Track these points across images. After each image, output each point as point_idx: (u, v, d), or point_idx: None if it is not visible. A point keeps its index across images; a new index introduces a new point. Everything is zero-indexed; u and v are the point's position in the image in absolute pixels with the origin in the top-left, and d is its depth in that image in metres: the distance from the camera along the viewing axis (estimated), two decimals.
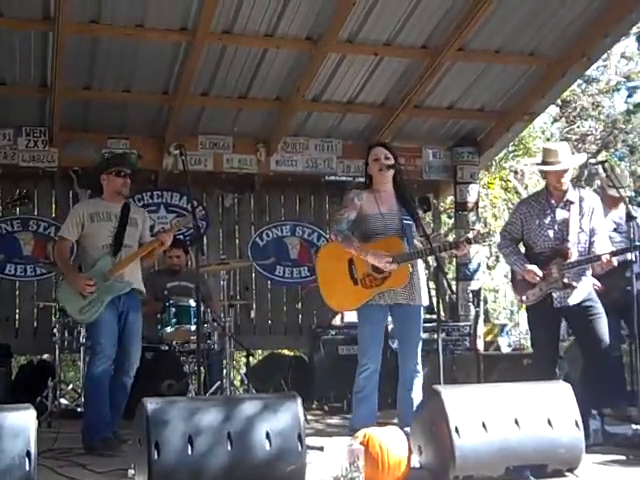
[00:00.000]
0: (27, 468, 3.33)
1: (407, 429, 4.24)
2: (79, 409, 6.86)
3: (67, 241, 5.54)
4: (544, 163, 5.38)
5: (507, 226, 5.59)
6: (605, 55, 12.60)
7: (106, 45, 7.13)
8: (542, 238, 5.32)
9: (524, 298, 5.36)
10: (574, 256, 5.19)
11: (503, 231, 5.59)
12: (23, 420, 3.42)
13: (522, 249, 5.53)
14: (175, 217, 8.59)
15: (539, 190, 5.84)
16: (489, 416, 3.85)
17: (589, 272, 5.33)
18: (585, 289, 5.28)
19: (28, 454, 3.34)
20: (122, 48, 7.16)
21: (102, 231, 5.43)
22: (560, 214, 5.31)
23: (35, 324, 8.61)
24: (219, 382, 6.63)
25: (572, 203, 5.31)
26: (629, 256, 5.07)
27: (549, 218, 5.31)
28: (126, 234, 5.44)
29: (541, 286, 5.24)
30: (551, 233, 5.29)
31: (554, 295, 5.24)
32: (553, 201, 5.34)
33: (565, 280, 5.19)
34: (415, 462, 3.99)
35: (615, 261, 5.12)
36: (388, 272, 5.07)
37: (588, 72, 12.09)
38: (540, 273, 5.21)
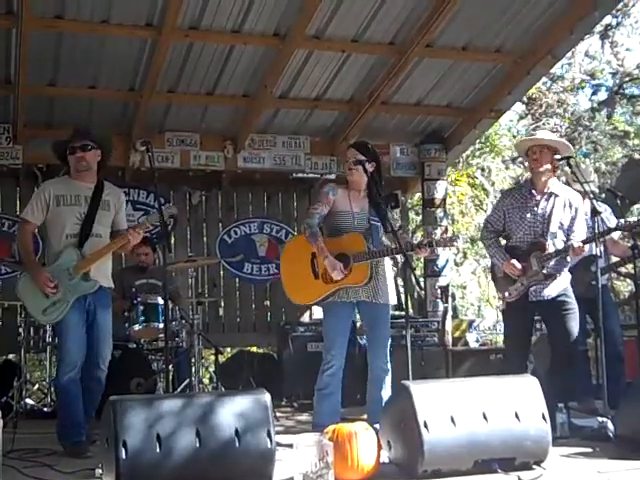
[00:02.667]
0: None
1: (376, 426, 4.25)
2: (45, 409, 6.80)
3: (30, 224, 5.10)
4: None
5: (490, 217, 5.61)
6: (570, 53, 12.72)
7: (71, 41, 7.05)
8: (522, 230, 5.34)
9: (507, 294, 5.38)
10: (551, 249, 5.22)
11: (486, 222, 5.61)
12: None
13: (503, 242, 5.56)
14: (142, 215, 8.53)
15: (523, 182, 5.86)
16: (457, 410, 3.87)
17: (567, 268, 5.37)
18: (562, 284, 5.32)
19: None
20: (87, 44, 7.09)
21: (68, 217, 5.02)
22: (543, 206, 5.33)
23: (0, 323, 8.50)
24: (188, 380, 6.59)
25: (557, 196, 5.34)
26: (594, 250, 5.11)
27: (531, 211, 5.33)
28: (96, 220, 5.04)
29: (522, 281, 5.26)
30: (532, 225, 5.31)
31: (530, 289, 5.27)
32: (536, 193, 5.36)
33: (545, 271, 5.23)
34: (384, 457, 4.01)
35: (586, 248, 5.17)
36: (349, 269, 5.07)
37: (553, 70, 12.21)
38: (519, 266, 5.24)
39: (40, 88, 7.61)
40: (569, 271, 5.66)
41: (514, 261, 5.27)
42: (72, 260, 4.97)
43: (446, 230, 9.15)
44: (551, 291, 5.26)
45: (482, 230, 5.67)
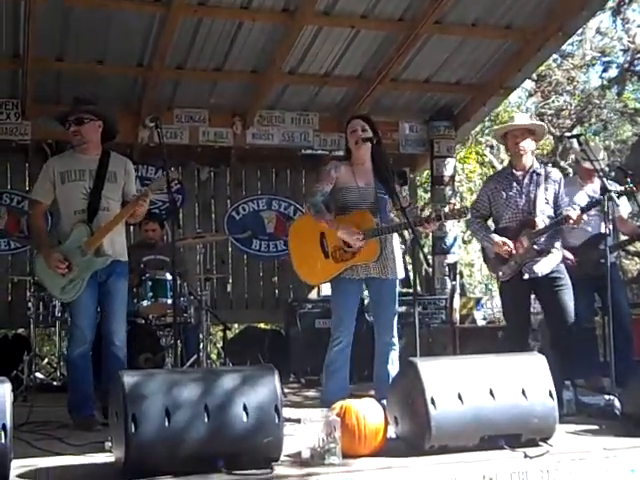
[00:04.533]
0: (2, 441, 3.31)
1: (383, 401, 4.26)
2: (55, 383, 6.86)
3: (40, 204, 5.07)
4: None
5: (475, 204, 5.63)
6: (580, 30, 12.62)
7: (80, 15, 7.02)
8: (510, 210, 5.37)
9: (500, 274, 5.40)
10: (541, 225, 5.24)
11: (471, 209, 5.61)
12: None
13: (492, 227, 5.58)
14: None
15: (504, 167, 5.89)
16: (464, 387, 3.88)
17: (558, 244, 5.38)
18: (554, 260, 5.33)
19: (4, 427, 3.32)
20: (96, 19, 7.06)
21: (74, 193, 4.95)
22: (526, 185, 5.37)
23: (9, 298, 8.56)
24: (196, 356, 6.63)
25: (539, 175, 5.38)
26: (603, 229, 5.10)
27: (515, 190, 5.37)
28: (103, 194, 4.95)
29: (515, 259, 5.28)
30: (519, 204, 5.34)
31: (524, 267, 5.29)
32: (518, 173, 5.39)
33: (536, 247, 5.24)
34: (391, 433, 4.02)
35: (585, 216, 5.18)
36: (357, 247, 5.07)
37: (564, 47, 12.13)
38: (511, 244, 5.26)
39: (48, 63, 7.59)
40: (576, 249, 5.67)
41: (504, 240, 5.28)
42: (82, 236, 4.92)
43: (455, 203, 9.13)
44: (543, 268, 5.27)
45: (469, 218, 5.67)
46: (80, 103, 5.12)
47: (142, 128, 8.24)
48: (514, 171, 5.42)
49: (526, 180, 5.37)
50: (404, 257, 10.16)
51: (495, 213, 5.47)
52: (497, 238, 5.34)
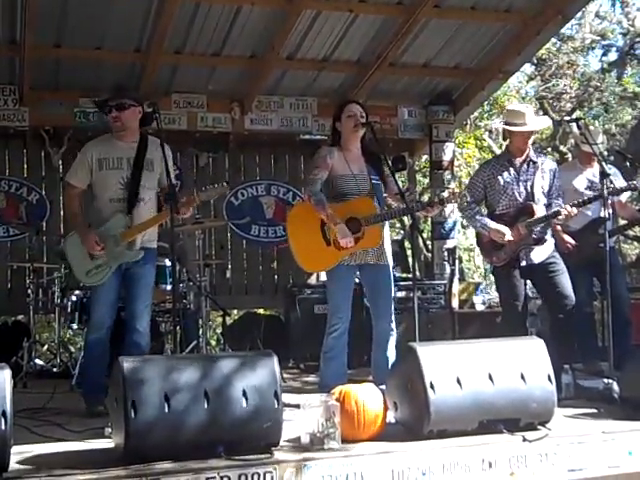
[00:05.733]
0: (2, 428, 3.31)
1: (382, 387, 4.27)
2: (54, 369, 6.87)
3: (75, 188, 5.02)
4: (510, 124, 5.40)
5: (469, 190, 5.61)
6: (580, 13, 12.58)
7: (77, 1, 6.98)
8: (507, 197, 5.37)
9: (494, 259, 5.41)
10: (539, 213, 5.24)
11: (465, 195, 5.60)
12: None
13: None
14: None
15: (501, 152, 5.87)
16: (463, 372, 3.88)
17: (550, 230, 5.40)
18: (549, 247, 5.36)
19: (4, 414, 3.32)
20: (94, 4, 7.04)
21: (112, 181, 4.93)
22: (524, 173, 5.38)
23: (9, 285, 8.55)
24: (195, 342, 6.63)
25: (535, 163, 5.38)
26: (602, 213, 5.10)
27: (513, 178, 5.37)
28: (141, 185, 4.93)
29: (511, 246, 5.28)
30: (516, 192, 5.35)
31: (520, 254, 5.29)
32: (516, 161, 5.39)
33: (534, 236, 5.25)
34: (390, 418, 4.03)
35: (575, 210, 5.20)
36: (361, 233, 5.05)
37: (563, 30, 12.09)
38: (508, 232, 5.25)
39: (46, 49, 7.57)
40: (575, 234, 5.67)
41: (501, 226, 5.28)
42: (120, 227, 4.92)
43: (454, 188, 9.13)
44: (540, 255, 5.31)
45: (460, 203, 5.65)
46: (121, 89, 5.14)
47: None
48: (512, 158, 5.41)
49: (523, 167, 5.38)
50: (403, 242, 10.18)
51: (490, 199, 5.46)
52: (494, 225, 5.34)
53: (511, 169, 5.38)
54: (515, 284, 5.38)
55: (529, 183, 5.34)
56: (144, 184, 4.96)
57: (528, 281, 5.43)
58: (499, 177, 5.38)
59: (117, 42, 7.68)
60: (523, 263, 5.28)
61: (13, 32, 7.33)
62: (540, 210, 5.27)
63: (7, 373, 3.45)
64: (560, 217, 5.21)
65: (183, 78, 8.32)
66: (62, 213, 8.51)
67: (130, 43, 7.74)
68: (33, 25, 6.97)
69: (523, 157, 5.39)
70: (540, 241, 5.30)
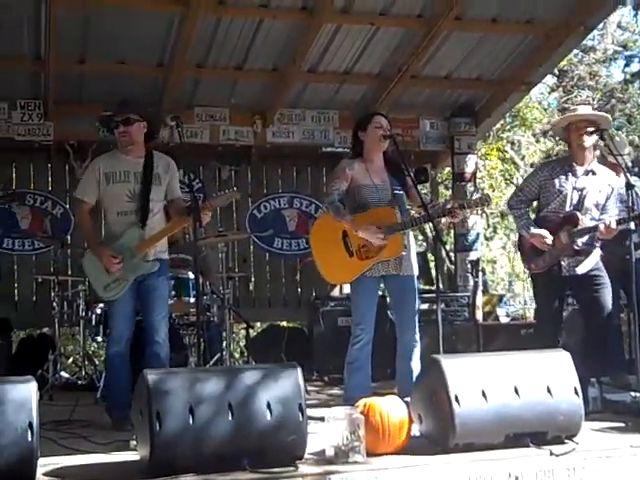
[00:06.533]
0: (29, 440, 3.33)
1: (407, 399, 4.25)
2: (79, 382, 6.90)
3: (85, 204, 5.06)
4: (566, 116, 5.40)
5: (523, 187, 5.51)
6: (602, 24, 12.53)
7: (100, 16, 7.05)
8: (558, 202, 5.26)
9: (532, 266, 5.34)
10: (584, 224, 5.17)
11: (517, 191, 5.55)
12: (25, 392, 3.42)
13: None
14: None
15: (565, 156, 5.77)
16: (489, 385, 3.86)
17: (597, 244, 5.32)
18: (594, 259, 5.26)
19: (30, 426, 3.34)
20: (116, 19, 7.09)
21: (119, 195, 4.97)
22: (581, 181, 5.26)
23: (34, 298, 8.61)
24: (219, 354, 6.64)
25: (595, 174, 5.28)
26: (629, 225, 5.05)
27: (570, 183, 5.25)
28: (150, 198, 4.98)
29: (551, 252, 5.21)
30: (568, 198, 5.24)
31: (563, 263, 5.22)
32: (577, 168, 5.29)
33: (575, 247, 5.18)
34: (415, 431, 4.01)
35: (614, 225, 5.11)
36: (383, 243, 5.05)
37: (585, 41, 12.04)
38: (549, 238, 5.19)
39: (70, 65, 7.64)
40: (601, 245, 5.61)
41: (542, 231, 5.22)
42: (134, 240, 4.96)
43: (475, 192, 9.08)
44: (584, 267, 5.22)
45: (511, 198, 5.60)
46: (126, 104, 5.17)
47: (163, 127, 8.23)
48: (573, 164, 5.30)
49: (582, 175, 5.27)
50: (426, 254, 10.14)
51: (542, 200, 5.36)
52: (536, 230, 5.25)
53: (569, 174, 5.27)
54: (554, 294, 5.32)
55: (584, 192, 5.23)
56: (153, 197, 5.01)
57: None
58: (555, 180, 5.28)
59: (140, 56, 7.73)
60: (565, 273, 5.22)
61: (38, 48, 7.40)
62: (586, 221, 5.18)
63: (33, 386, 3.48)
64: (601, 231, 5.09)
65: (205, 91, 8.36)
66: None
67: (153, 57, 7.79)
68: (57, 41, 7.03)
69: (585, 166, 5.28)
70: (583, 252, 5.21)
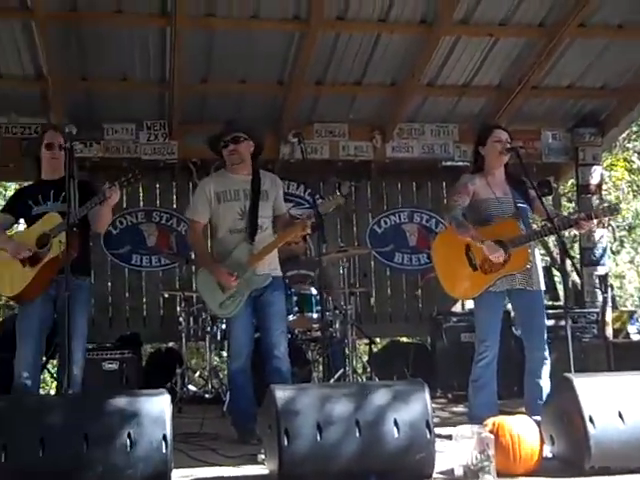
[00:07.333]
0: (164, 451, 3.42)
1: (536, 418, 4.14)
2: (206, 395, 7.03)
3: (198, 223, 5.20)
4: None
5: None
6: None
7: (222, 38, 7.25)
8: None
9: None
10: None
11: None
12: (159, 405, 3.52)
13: None
14: (292, 206, 8.59)
15: None
16: (625, 405, 3.72)
17: None
18: None
19: (164, 438, 3.43)
20: (237, 40, 7.25)
21: (230, 213, 5.09)
22: None
23: (161, 313, 8.83)
24: (342, 370, 6.64)
25: None
26: None
27: None
28: (259, 214, 5.08)
29: None
30: None
31: None
32: None
33: None
34: (547, 452, 3.90)
35: None
36: (507, 256, 4.95)
37: None
38: None
39: (193, 85, 7.84)
40: None
41: None
42: (244, 255, 5.03)
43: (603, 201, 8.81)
44: None
45: None
46: (234, 123, 5.28)
47: (283, 144, 8.38)
48: None
49: None
50: (550, 269, 9.87)
51: None
52: None
53: None
54: None
55: None
56: (261, 213, 5.09)
57: None
58: None
59: (260, 75, 7.86)
60: None
61: (163, 70, 7.64)
62: None
63: (167, 399, 3.57)
64: None
65: (324, 107, 8.43)
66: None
67: (273, 75, 7.91)
68: (181, 62, 7.24)
69: None
70: None
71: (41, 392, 6.49)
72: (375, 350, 7.90)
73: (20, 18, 6.80)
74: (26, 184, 5.55)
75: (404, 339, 9.86)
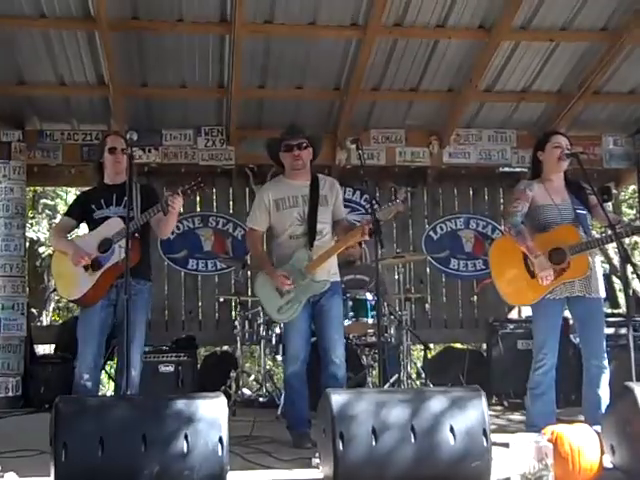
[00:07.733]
0: (220, 454, 3.45)
1: (595, 427, 4.07)
2: (261, 399, 7.08)
3: (257, 231, 5.28)
4: None
5: None
6: None
7: (280, 44, 7.28)
8: None
9: None
10: None
11: None
12: (216, 408, 3.55)
13: None
14: (349, 212, 8.58)
15: None
16: None
17: None
18: None
19: (221, 440, 3.46)
20: (295, 46, 7.30)
21: (289, 219, 5.14)
22: None
23: (217, 317, 8.89)
24: (397, 375, 6.62)
25: None
26: None
27: None
28: (318, 219, 5.12)
29: None
30: None
31: None
32: None
33: None
34: (607, 462, 3.82)
35: None
36: (567, 263, 4.88)
37: None
38: None
39: (251, 91, 7.90)
40: None
41: None
42: (304, 260, 5.08)
43: None
44: None
45: None
46: (299, 129, 5.33)
47: (340, 150, 8.39)
48: None
49: None
50: (610, 277, 9.71)
51: None
52: None
53: None
54: None
55: None
56: (320, 219, 5.11)
57: None
58: None
59: (317, 81, 7.87)
60: None
61: (221, 77, 7.72)
62: None
63: (223, 402, 3.60)
64: None
65: (381, 114, 8.41)
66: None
67: (330, 81, 7.92)
68: (240, 69, 7.29)
69: None
70: None
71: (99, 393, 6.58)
72: (430, 356, 7.86)
73: (84, 27, 6.94)
74: (86, 189, 5.65)
75: (458, 345, 9.78)
